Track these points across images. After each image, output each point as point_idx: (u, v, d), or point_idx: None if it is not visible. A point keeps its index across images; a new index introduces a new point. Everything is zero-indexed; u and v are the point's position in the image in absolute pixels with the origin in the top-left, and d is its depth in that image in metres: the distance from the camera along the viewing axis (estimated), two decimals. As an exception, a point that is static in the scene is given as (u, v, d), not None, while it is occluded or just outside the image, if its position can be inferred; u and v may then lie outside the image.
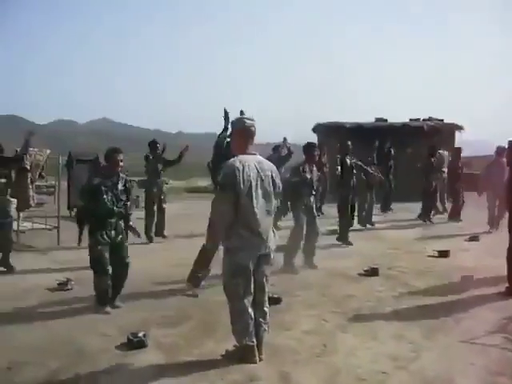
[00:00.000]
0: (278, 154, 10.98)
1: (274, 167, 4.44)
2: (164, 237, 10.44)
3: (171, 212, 10.89)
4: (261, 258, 4.23)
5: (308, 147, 8.13)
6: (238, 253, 4.10)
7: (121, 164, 5.86)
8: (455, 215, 13.51)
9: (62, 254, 8.66)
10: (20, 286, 6.56)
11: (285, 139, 10.83)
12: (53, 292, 6.30)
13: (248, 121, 4.29)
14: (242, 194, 4.05)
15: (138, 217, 9.53)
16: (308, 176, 7.82)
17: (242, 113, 5.22)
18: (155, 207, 10.36)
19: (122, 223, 5.93)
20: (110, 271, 5.69)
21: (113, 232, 5.77)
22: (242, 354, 4.14)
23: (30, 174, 9.24)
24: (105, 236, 5.70)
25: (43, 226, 10.50)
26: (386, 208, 15.18)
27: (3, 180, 7.53)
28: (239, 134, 4.32)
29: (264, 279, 4.32)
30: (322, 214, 13.10)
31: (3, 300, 5.94)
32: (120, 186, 5.85)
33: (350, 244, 9.86)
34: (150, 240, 10.05)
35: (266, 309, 4.33)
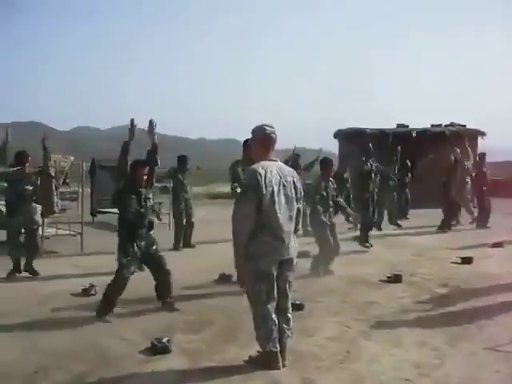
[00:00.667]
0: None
1: (295, 172, 4.47)
2: (193, 247, 10.52)
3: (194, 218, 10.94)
4: (283, 264, 4.24)
5: (323, 162, 8.26)
6: (260, 259, 4.12)
7: (145, 178, 5.89)
8: (483, 222, 13.34)
9: (85, 260, 8.75)
10: (44, 292, 6.65)
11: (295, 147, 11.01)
12: (77, 297, 6.37)
13: (268, 128, 4.32)
14: (265, 198, 4.07)
15: (161, 223, 9.65)
16: (324, 192, 7.87)
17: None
18: (184, 220, 10.45)
19: (153, 235, 5.97)
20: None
21: (143, 243, 5.80)
22: (266, 360, 4.15)
23: (54, 181, 9.36)
24: (135, 248, 5.72)
25: (67, 232, 10.62)
26: (401, 216, 15.04)
27: (30, 187, 7.66)
28: (260, 141, 4.35)
29: (287, 285, 4.33)
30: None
31: (28, 305, 6.02)
32: (148, 195, 5.91)
33: (368, 247, 9.88)
34: (177, 249, 10.14)
35: (289, 315, 4.34)
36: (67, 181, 10.31)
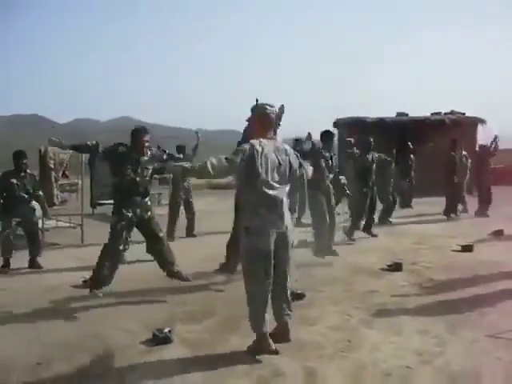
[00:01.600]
0: (301, 148, 10.95)
1: (292, 151, 4.48)
2: (194, 236, 10.54)
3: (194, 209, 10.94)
4: (279, 238, 4.23)
5: (325, 134, 8.40)
6: (257, 235, 4.15)
7: (147, 145, 5.90)
8: (483, 211, 13.38)
9: (86, 252, 8.74)
10: (46, 284, 6.66)
11: (309, 134, 10.81)
12: (78, 289, 6.38)
13: (268, 107, 4.38)
14: (261, 172, 4.13)
15: (161, 214, 9.62)
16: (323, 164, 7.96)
17: (257, 101, 5.26)
18: (182, 208, 10.45)
19: (148, 201, 5.97)
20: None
21: (138, 210, 5.82)
22: (258, 344, 4.20)
23: (53, 173, 9.37)
24: (130, 213, 5.74)
25: (67, 224, 10.62)
26: (405, 205, 15.05)
27: (26, 195, 7.61)
28: (259, 119, 4.42)
29: (286, 266, 4.34)
30: None
31: (30, 298, 6.04)
32: (145, 158, 5.89)
33: (354, 240, 9.87)
34: (172, 240, 10.12)
35: (288, 295, 4.39)
36: (66, 173, 10.32)
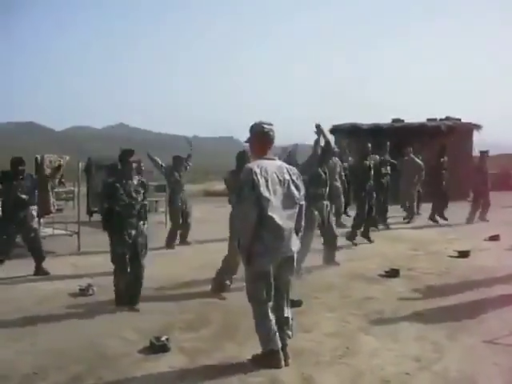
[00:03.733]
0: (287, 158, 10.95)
1: (295, 170, 4.38)
2: (188, 244, 10.52)
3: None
4: (283, 263, 4.20)
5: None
6: (259, 258, 4.07)
7: (134, 166, 6.01)
8: (483, 216, 13.45)
9: (82, 260, 8.72)
10: (42, 292, 6.63)
11: (296, 145, 10.83)
12: (75, 297, 6.36)
13: (266, 125, 4.27)
14: (262, 196, 4.02)
15: (158, 221, 9.62)
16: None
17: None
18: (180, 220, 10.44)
19: (142, 224, 5.99)
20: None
21: (133, 231, 5.85)
22: (268, 360, 4.13)
23: (50, 181, 9.35)
24: (126, 236, 5.79)
25: (64, 232, 10.59)
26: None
27: (24, 196, 7.60)
28: (258, 138, 4.30)
29: (286, 287, 4.31)
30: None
31: (27, 306, 6.01)
32: (135, 182, 5.94)
33: (355, 244, 9.87)
34: (171, 248, 10.12)
35: (287, 314, 4.32)
36: (63, 180, 10.29)
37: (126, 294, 5.89)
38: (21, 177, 7.60)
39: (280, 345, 4.13)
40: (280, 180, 4.15)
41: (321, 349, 4.55)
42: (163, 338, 4.60)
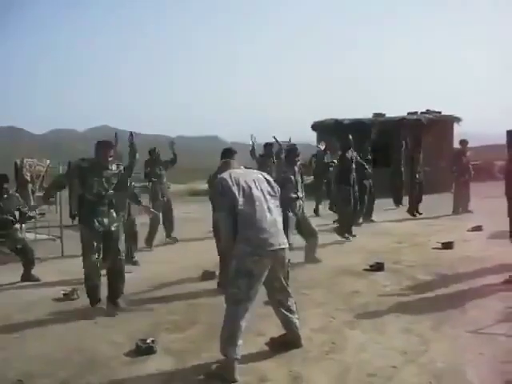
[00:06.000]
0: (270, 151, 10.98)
1: (261, 173, 4.55)
2: (176, 240, 10.49)
3: (175, 216, 10.88)
4: (273, 261, 4.18)
5: (288, 150, 8.21)
6: (243, 257, 4.08)
7: (110, 158, 5.88)
8: (465, 207, 13.53)
9: (66, 264, 8.64)
10: (27, 298, 6.57)
11: (274, 137, 10.87)
12: (60, 302, 6.31)
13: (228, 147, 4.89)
14: (238, 197, 4.11)
15: (142, 222, 9.56)
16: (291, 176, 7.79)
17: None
18: (161, 213, 10.36)
19: (114, 213, 5.91)
20: (102, 264, 5.84)
21: (105, 220, 5.77)
22: (221, 367, 4.04)
23: (31, 185, 9.28)
24: (96, 223, 5.69)
25: (46, 237, 10.49)
26: (398, 201, 15.19)
27: (11, 217, 7.52)
28: (223, 157, 4.73)
29: (280, 281, 4.37)
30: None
31: (11, 312, 5.95)
32: (112, 169, 5.88)
33: (348, 238, 9.85)
34: (149, 247, 10.05)
35: (290, 304, 4.44)
36: (44, 184, 10.21)
37: (97, 292, 5.80)
38: (5, 195, 7.51)
39: (239, 356, 4.00)
40: (251, 179, 4.30)
41: (308, 345, 4.55)
42: (149, 340, 4.58)
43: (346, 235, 9.90)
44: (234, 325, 4.02)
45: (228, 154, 4.74)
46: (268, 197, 4.29)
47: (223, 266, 6.48)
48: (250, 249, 4.07)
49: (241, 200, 4.11)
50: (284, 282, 4.40)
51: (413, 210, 13.29)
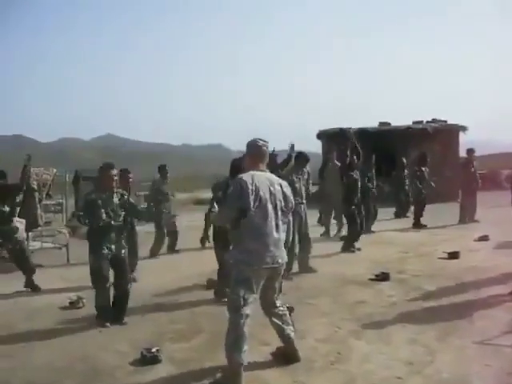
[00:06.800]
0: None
1: (285, 183, 4.50)
2: (177, 252, 10.51)
3: (179, 225, 10.89)
4: (270, 273, 4.21)
5: (297, 156, 8.15)
6: (243, 265, 4.11)
7: (115, 179, 5.91)
8: (472, 217, 13.48)
9: (72, 272, 8.66)
10: (32, 306, 6.58)
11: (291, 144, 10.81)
12: (65, 311, 6.31)
13: (261, 141, 4.41)
14: (250, 206, 4.08)
15: (146, 231, 9.59)
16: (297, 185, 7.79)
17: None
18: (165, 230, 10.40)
19: (123, 239, 5.97)
20: (111, 287, 5.81)
21: (113, 246, 5.80)
22: (228, 374, 4.04)
23: (37, 194, 9.29)
24: (105, 250, 5.73)
25: (52, 245, 10.51)
26: (401, 214, 15.11)
27: (6, 209, 7.53)
28: (252, 153, 4.43)
29: (273, 295, 4.38)
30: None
31: (16, 320, 5.96)
32: (116, 201, 5.88)
33: (353, 251, 9.76)
34: (154, 256, 10.09)
35: (281, 313, 4.42)
36: (50, 193, 10.25)
37: (110, 310, 5.79)
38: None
39: (244, 361, 4.01)
40: (270, 190, 4.22)
41: (313, 355, 4.54)
42: (154, 350, 4.58)
43: (352, 249, 9.81)
44: (236, 331, 4.04)
45: (257, 151, 4.42)
46: (279, 213, 4.26)
47: (221, 275, 6.49)
48: (249, 260, 4.10)
49: (253, 209, 4.09)
50: (274, 295, 4.40)
51: (418, 224, 13.19)
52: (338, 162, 11.90)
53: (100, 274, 5.74)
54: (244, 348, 4.01)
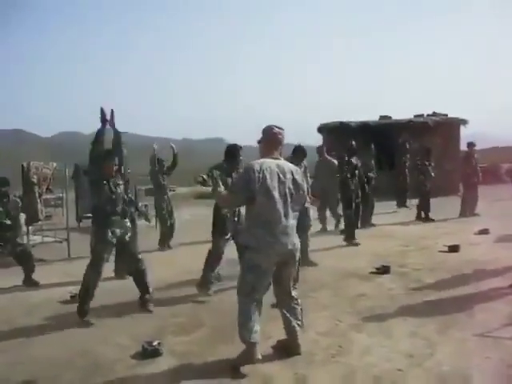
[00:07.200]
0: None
1: (298, 169, 4.49)
2: (169, 248, 10.51)
3: (180, 219, 10.90)
4: (282, 259, 4.24)
5: (295, 149, 8.13)
6: (253, 251, 4.17)
7: (115, 169, 5.92)
8: (472, 210, 13.49)
9: (72, 266, 8.66)
10: (33, 300, 6.59)
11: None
12: (66, 305, 6.32)
13: (277, 128, 4.41)
14: (259, 193, 4.12)
15: (148, 225, 9.58)
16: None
17: None
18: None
19: (128, 223, 5.97)
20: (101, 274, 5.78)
21: (118, 230, 5.80)
22: (243, 352, 4.15)
23: (37, 188, 9.29)
24: (109, 234, 5.72)
25: (53, 239, 10.52)
26: (401, 204, 15.20)
27: (9, 222, 7.53)
28: (267, 139, 4.43)
29: (287, 282, 4.41)
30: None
31: (17, 315, 5.97)
32: (120, 184, 5.92)
33: (356, 245, 9.76)
34: (167, 247, 10.12)
35: (295, 305, 4.46)
36: (50, 187, 10.23)
37: (91, 296, 5.73)
38: (4, 199, 7.52)
39: (256, 340, 4.12)
40: (280, 179, 4.22)
41: (314, 348, 4.55)
42: (155, 343, 4.58)
43: (354, 241, 9.83)
44: (245, 312, 4.15)
45: (272, 138, 4.41)
46: (289, 200, 4.24)
47: (207, 264, 6.48)
48: (258, 246, 4.14)
49: (261, 193, 4.12)
50: (289, 283, 4.43)
51: (420, 217, 13.20)
52: (328, 156, 11.82)
53: (99, 260, 5.69)
54: (254, 328, 4.11)
